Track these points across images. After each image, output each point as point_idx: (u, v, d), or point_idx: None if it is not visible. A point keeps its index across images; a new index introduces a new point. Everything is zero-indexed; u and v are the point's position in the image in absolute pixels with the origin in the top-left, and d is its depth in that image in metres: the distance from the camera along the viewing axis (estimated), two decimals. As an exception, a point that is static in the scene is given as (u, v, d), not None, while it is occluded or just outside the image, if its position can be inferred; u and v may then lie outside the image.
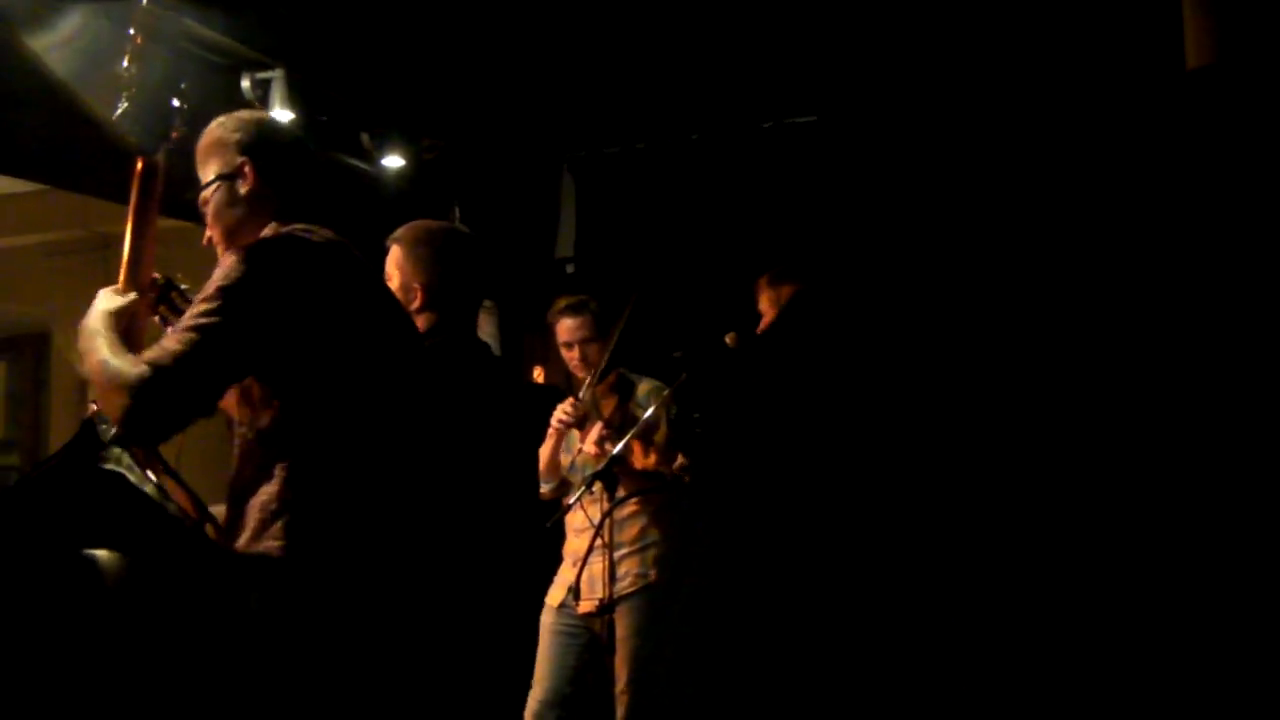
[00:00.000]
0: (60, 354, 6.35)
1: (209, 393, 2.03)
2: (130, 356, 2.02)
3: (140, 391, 1.95)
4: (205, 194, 2.30)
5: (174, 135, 2.13)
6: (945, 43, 4.48)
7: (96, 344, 2.07)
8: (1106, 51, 4.36)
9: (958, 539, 4.27)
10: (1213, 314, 3.51)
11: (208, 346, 1.99)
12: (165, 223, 2.33)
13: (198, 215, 2.38)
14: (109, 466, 2.10)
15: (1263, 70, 3.08)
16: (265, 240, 2.18)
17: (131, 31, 2.06)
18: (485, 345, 3.01)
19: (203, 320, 2.00)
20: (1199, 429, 3.64)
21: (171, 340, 2.00)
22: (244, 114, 2.38)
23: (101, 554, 2.07)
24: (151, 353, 1.99)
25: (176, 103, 2.10)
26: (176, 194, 2.30)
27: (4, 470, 6.51)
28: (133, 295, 2.19)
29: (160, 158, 2.15)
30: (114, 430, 2.09)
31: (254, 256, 2.09)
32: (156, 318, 2.37)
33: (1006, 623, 4.21)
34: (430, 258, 2.84)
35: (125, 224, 2.19)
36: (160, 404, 1.97)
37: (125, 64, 2.07)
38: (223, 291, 2.03)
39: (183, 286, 2.41)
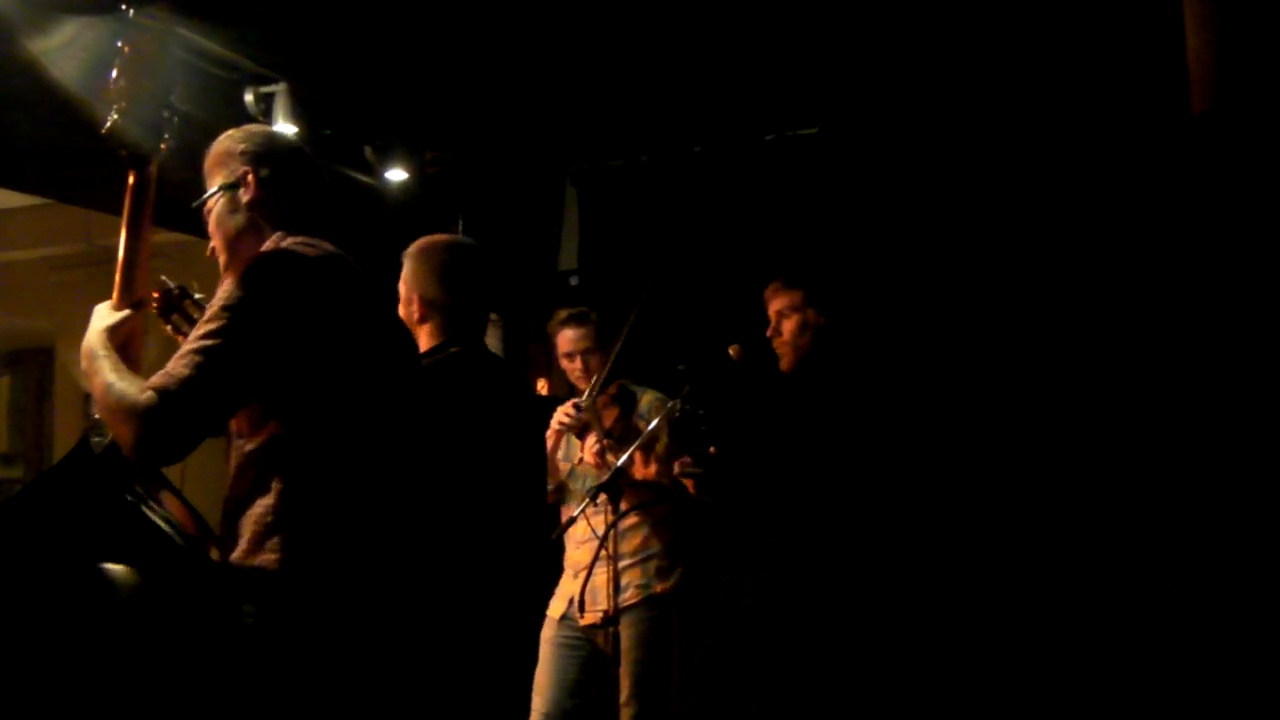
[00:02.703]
0: (64, 368, 6.35)
1: (217, 415, 2.03)
2: (136, 381, 2.01)
3: (149, 419, 1.94)
4: (208, 203, 2.30)
5: (164, 146, 2.12)
6: (947, 55, 4.47)
7: (98, 365, 2.07)
8: (1110, 68, 4.35)
9: (969, 548, 4.25)
10: (1221, 354, 3.51)
11: (214, 369, 1.98)
12: (168, 236, 2.32)
13: (198, 228, 2.37)
14: (131, 499, 2.10)
15: (1268, 114, 3.07)
16: (264, 257, 2.17)
17: (120, 44, 2.06)
18: (499, 357, 3.01)
19: (207, 342, 1.99)
20: (1210, 476, 3.64)
21: (176, 364, 1.98)
22: (251, 127, 2.38)
23: (101, 567, 2.07)
24: (157, 379, 1.98)
25: (167, 114, 2.09)
26: (173, 206, 2.30)
27: (8, 483, 6.51)
28: (128, 310, 2.18)
29: (153, 170, 2.14)
30: (108, 442, 2.08)
31: (254, 275, 2.08)
32: (169, 327, 2.37)
33: (1018, 635, 4.19)
34: (432, 271, 2.85)
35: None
36: (170, 430, 1.96)
37: (114, 76, 2.06)
38: (225, 312, 2.02)
39: (196, 296, 2.40)
